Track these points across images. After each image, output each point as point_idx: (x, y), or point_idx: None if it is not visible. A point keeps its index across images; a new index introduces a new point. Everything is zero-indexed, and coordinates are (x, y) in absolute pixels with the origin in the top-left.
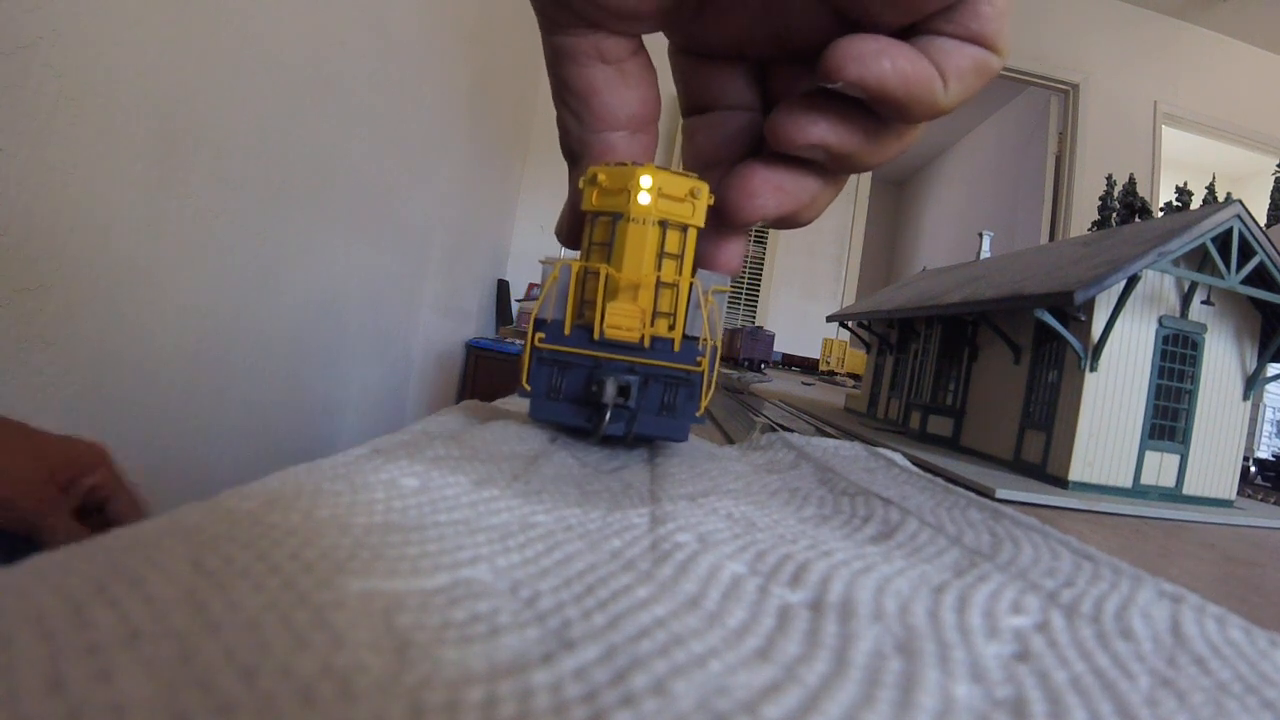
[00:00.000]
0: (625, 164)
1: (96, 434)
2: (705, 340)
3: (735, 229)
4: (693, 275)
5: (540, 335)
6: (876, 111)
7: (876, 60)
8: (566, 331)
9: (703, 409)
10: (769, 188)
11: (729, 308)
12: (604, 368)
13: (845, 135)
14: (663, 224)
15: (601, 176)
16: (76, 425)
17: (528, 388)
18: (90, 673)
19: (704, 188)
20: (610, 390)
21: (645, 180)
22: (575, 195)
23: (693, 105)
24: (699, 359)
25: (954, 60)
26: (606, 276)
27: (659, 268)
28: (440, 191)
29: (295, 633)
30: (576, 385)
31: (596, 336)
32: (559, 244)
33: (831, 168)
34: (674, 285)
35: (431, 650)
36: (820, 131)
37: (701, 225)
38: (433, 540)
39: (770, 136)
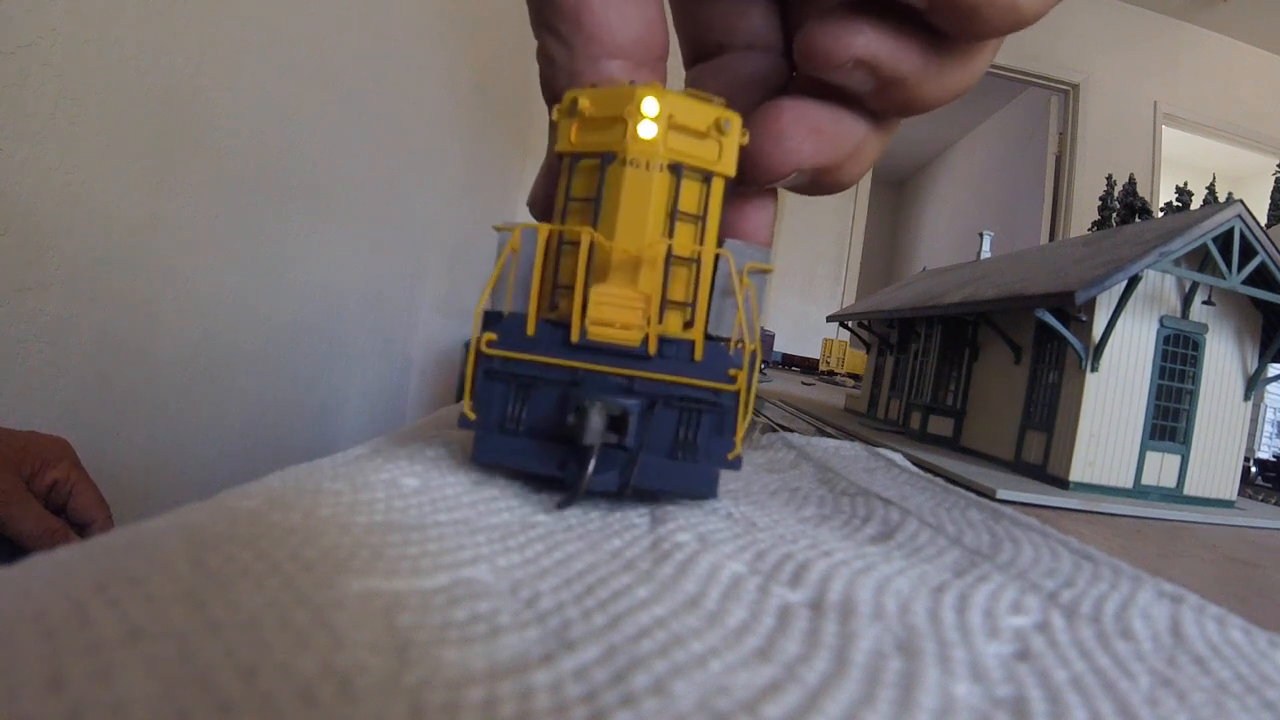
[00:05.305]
0: (621, 85)
1: (98, 434)
2: (740, 343)
3: (761, 185)
4: (719, 246)
5: (490, 337)
6: (936, 24)
7: None
8: (530, 330)
9: (738, 448)
10: (803, 128)
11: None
12: (587, 386)
13: (898, 51)
14: (675, 169)
15: (585, 102)
16: (76, 425)
17: (471, 415)
18: (90, 671)
19: (735, 119)
20: (596, 422)
21: (649, 105)
22: (552, 139)
23: (699, 50)
24: (732, 371)
25: None
26: (592, 247)
27: (670, 234)
28: (440, 191)
29: (295, 632)
30: (545, 413)
31: (576, 339)
32: (533, 219)
33: (879, 103)
34: (692, 261)
35: (432, 650)
36: (865, 43)
37: (731, 174)
38: (433, 540)
39: (801, 54)
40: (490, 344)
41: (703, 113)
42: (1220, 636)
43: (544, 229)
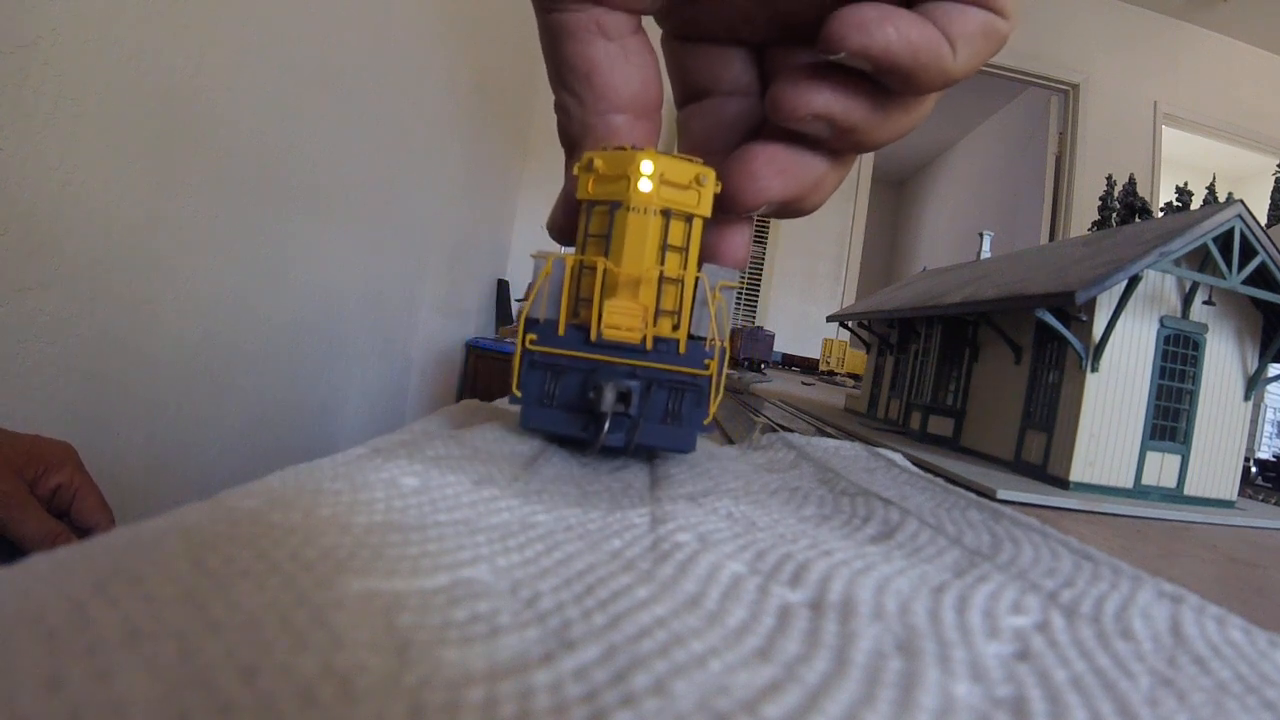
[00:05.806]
0: (624, 148)
1: (98, 434)
2: (713, 341)
3: (738, 216)
4: (698, 269)
5: (531, 336)
6: (883, 82)
7: (880, 28)
8: (560, 332)
9: (711, 416)
10: (772, 169)
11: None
12: (602, 372)
13: (850, 105)
14: (665, 213)
15: (598, 162)
16: (77, 425)
17: (518, 394)
18: (90, 672)
19: (710, 174)
20: (609, 397)
21: (646, 165)
22: (571, 185)
23: (688, 93)
24: (706, 361)
25: (960, 25)
26: (604, 271)
27: (662, 261)
28: (440, 191)
29: (295, 632)
30: (572, 391)
31: (594, 338)
32: (552, 240)
33: (837, 145)
34: (678, 281)
35: (432, 650)
36: (824, 100)
37: (707, 215)
38: (433, 540)
39: (770, 108)
40: (532, 342)
41: (686, 170)
42: (1220, 636)
43: (570, 259)
